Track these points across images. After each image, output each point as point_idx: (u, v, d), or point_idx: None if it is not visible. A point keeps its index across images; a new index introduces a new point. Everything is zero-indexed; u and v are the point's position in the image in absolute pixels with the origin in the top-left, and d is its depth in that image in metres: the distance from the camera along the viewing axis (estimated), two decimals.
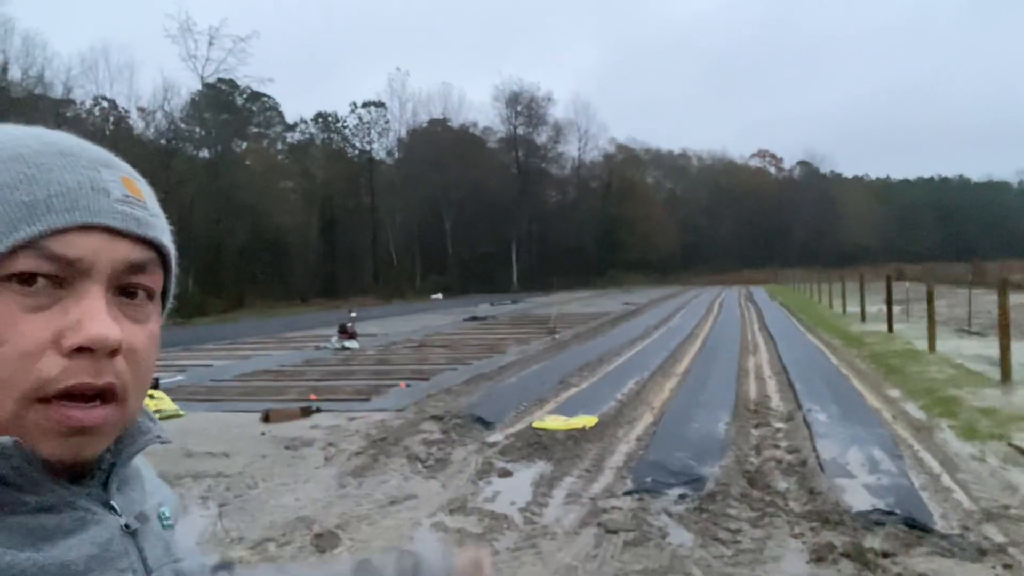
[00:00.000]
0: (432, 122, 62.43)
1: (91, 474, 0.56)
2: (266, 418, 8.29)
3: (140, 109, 42.52)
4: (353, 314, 18.75)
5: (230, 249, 40.86)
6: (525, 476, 5.97)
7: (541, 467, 6.20)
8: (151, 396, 9.31)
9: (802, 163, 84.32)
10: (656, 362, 12.22)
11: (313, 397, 9.50)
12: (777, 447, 6.53)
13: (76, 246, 0.51)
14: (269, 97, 53.87)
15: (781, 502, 5.04)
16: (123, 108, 42.82)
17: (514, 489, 5.63)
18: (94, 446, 0.53)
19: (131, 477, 0.61)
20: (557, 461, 6.32)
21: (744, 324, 19.95)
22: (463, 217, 56.66)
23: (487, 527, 4.81)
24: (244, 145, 50.43)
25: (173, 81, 61.82)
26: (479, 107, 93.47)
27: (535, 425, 7.50)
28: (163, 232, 0.58)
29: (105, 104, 42.15)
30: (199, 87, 44.18)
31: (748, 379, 10.41)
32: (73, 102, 39.26)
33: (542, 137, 64.99)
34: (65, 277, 0.51)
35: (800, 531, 4.52)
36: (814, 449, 6.30)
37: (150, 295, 0.57)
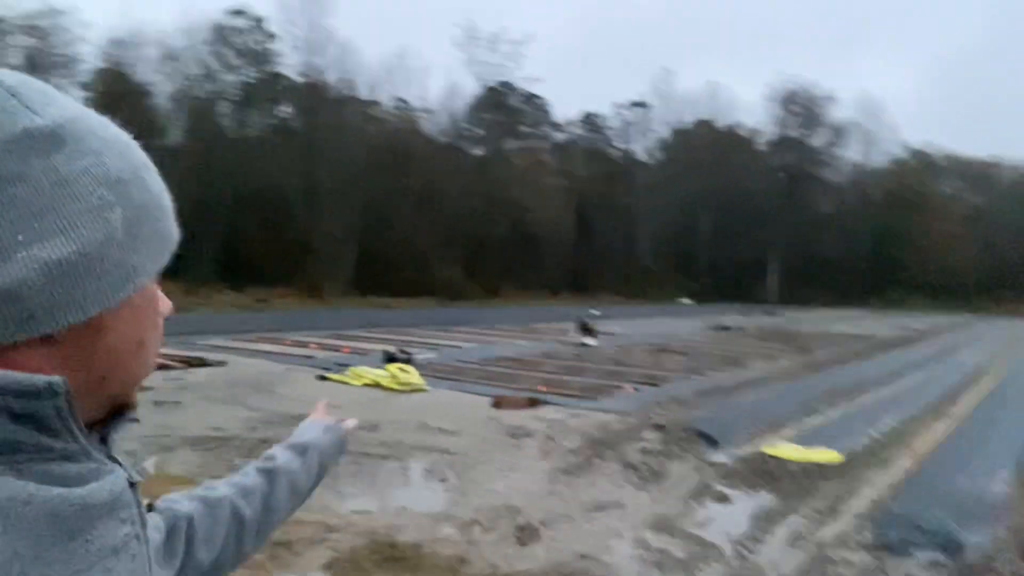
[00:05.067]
0: (697, 123, 60.76)
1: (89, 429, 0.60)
2: (497, 404, 8.65)
3: (427, 110, 47.12)
4: (594, 312, 18.93)
5: (491, 240, 43.64)
6: (745, 505, 5.50)
7: (765, 499, 5.67)
8: (403, 369, 10.22)
9: None
10: (928, 399, 10.58)
11: (541, 389, 9.72)
12: None
13: None
14: (540, 98, 56.47)
15: None
16: (415, 109, 47.78)
17: (730, 517, 5.21)
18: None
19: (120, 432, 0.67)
20: (785, 495, 5.73)
21: None
22: (720, 221, 54.34)
23: (692, 553, 4.49)
24: (514, 144, 53.53)
25: (457, 84, 67.61)
26: (748, 107, 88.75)
27: (766, 451, 6.89)
28: None
29: (402, 105, 47.39)
30: (479, 90, 47.78)
31: None
32: (377, 103, 44.70)
33: (818, 139, 59.85)
34: None
35: None
36: None
37: None
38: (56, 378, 0.52)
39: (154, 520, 0.79)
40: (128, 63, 35.24)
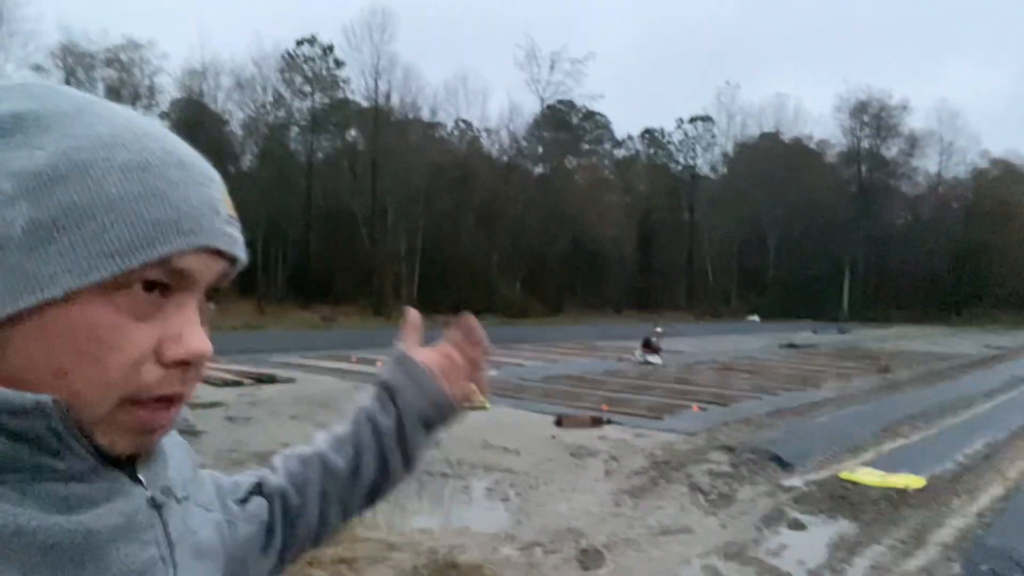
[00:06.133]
0: (763, 136, 59.51)
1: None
2: (559, 422, 8.55)
3: (487, 130, 47.69)
4: (659, 329, 18.60)
5: (553, 258, 43.64)
6: (822, 533, 5.23)
7: (843, 526, 5.38)
8: None
9: None
10: (1018, 421, 9.93)
11: (605, 408, 9.56)
12: None
13: (191, 262, 0.53)
14: (602, 115, 56.45)
15: None
16: (476, 129, 48.46)
17: (806, 546, 4.96)
18: (156, 441, 0.57)
19: (155, 452, 0.62)
20: (865, 523, 5.43)
21: None
22: (789, 236, 52.90)
23: None
24: (575, 161, 53.56)
25: (518, 103, 68.26)
26: (817, 119, 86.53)
27: (843, 476, 6.56)
28: (243, 245, 0.59)
29: (463, 125, 48.14)
30: (540, 108, 48.10)
31: None
32: (439, 124, 45.58)
33: (892, 150, 57.68)
34: (171, 287, 0.53)
35: None
36: None
37: (215, 296, 0.59)
38: (44, 397, 0.48)
39: (253, 507, 0.75)
40: (204, 92, 36.94)
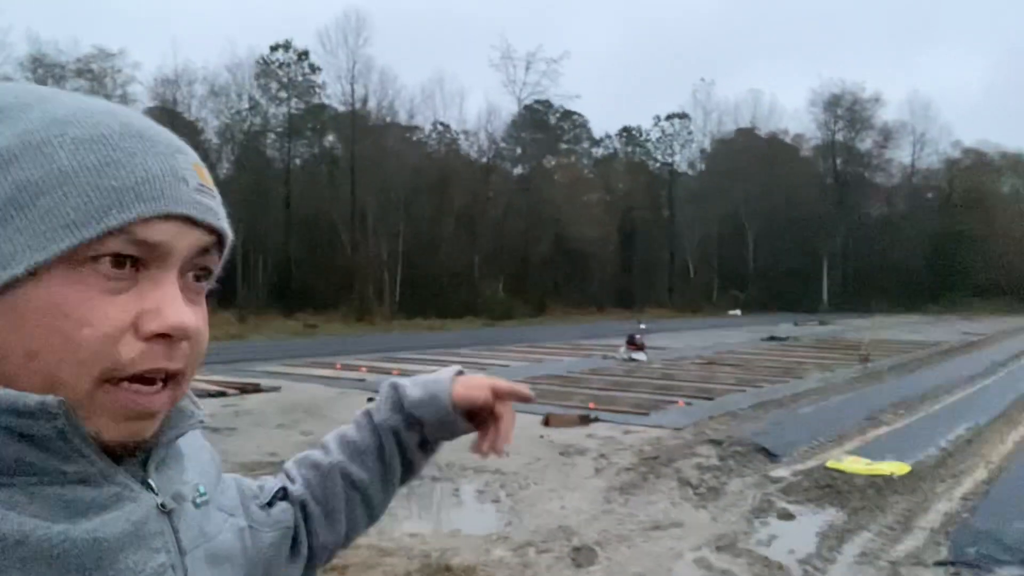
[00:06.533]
0: (738, 131, 59.99)
1: (131, 452, 0.55)
2: (546, 422, 8.55)
3: (464, 132, 47.63)
4: (642, 326, 18.69)
5: (535, 258, 43.69)
6: (811, 522, 5.28)
7: (832, 515, 5.44)
8: None
9: None
10: (1000, 406, 10.09)
11: (592, 406, 9.58)
12: None
13: (159, 232, 0.51)
14: (579, 115, 56.57)
15: None
16: (454, 131, 48.38)
17: (796, 535, 5.00)
18: (152, 428, 0.55)
19: (171, 456, 0.60)
20: (853, 511, 5.48)
21: None
22: (767, 230, 53.36)
23: (758, 574, 4.32)
24: (554, 161, 53.66)
25: (495, 105, 68.22)
26: (792, 113, 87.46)
27: (829, 465, 6.63)
28: (225, 218, 0.58)
29: (440, 128, 48.04)
30: (517, 109, 48.12)
31: None
32: (416, 127, 45.44)
33: (866, 143, 58.39)
34: (144, 261, 0.51)
35: None
36: None
37: (207, 277, 0.58)
38: (49, 397, 0.48)
39: (278, 513, 0.74)
40: (178, 100, 36.55)
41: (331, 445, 0.83)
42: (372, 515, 0.83)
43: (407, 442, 0.83)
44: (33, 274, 0.48)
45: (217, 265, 0.59)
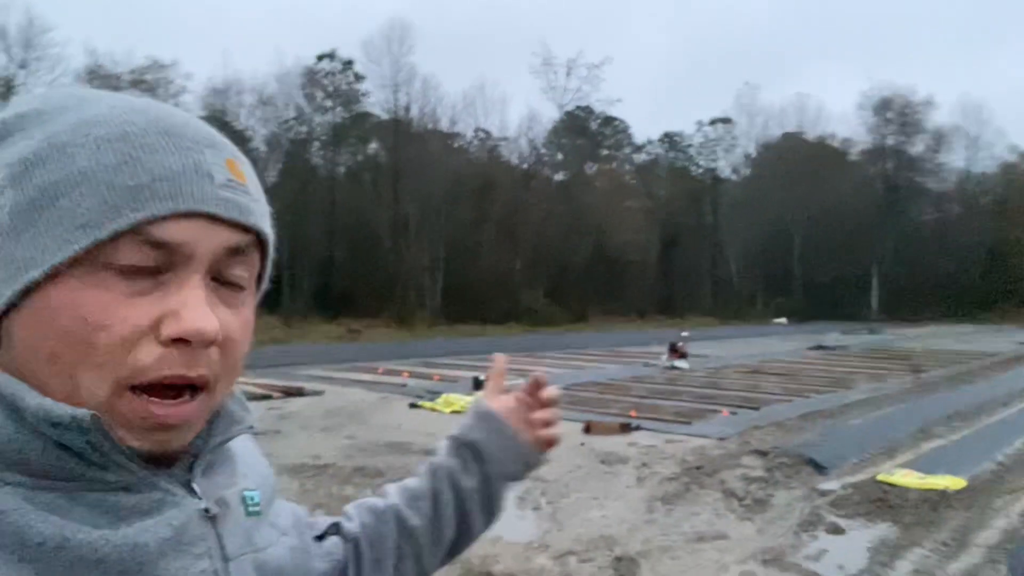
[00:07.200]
0: (785, 136, 58.93)
1: (173, 458, 0.55)
2: (587, 429, 8.50)
3: (505, 138, 47.80)
4: (684, 333, 18.43)
5: (576, 265, 43.55)
6: (861, 537, 5.13)
7: (883, 530, 5.27)
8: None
9: None
10: None
11: (633, 414, 9.48)
12: None
13: (178, 231, 0.49)
14: (620, 121, 56.28)
15: None
16: (496, 138, 48.59)
17: (846, 550, 4.86)
18: (180, 439, 0.53)
19: (219, 461, 0.59)
20: (905, 526, 5.31)
21: None
22: (814, 236, 52.20)
23: None
24: (595, 167, 53.49)
25: (536, 111, 68.39)
26: (840, 117, 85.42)
27: (881, 478, 6.43)
28: (263, 217, 0.55)
29: (482, 135, 48.31)
30: (558, 115, 48.13)
31: None
32: (458, 134, 45.79)
33: (917, 147, 56.79)
34: (166, 262, 0.50)
35: None
36: None
37: (246, 281, 0.55)
38: (81, 411, 0.47)
39: (330, 546, 0.74)
40: (227, 110, 37.52)
41: (390, 491, 0.83)
42: (421, 566, 0.80)
43: (463, 485, 0.81)
44: (53, 277, 0.47)
45: (258, 268, 0.56)
